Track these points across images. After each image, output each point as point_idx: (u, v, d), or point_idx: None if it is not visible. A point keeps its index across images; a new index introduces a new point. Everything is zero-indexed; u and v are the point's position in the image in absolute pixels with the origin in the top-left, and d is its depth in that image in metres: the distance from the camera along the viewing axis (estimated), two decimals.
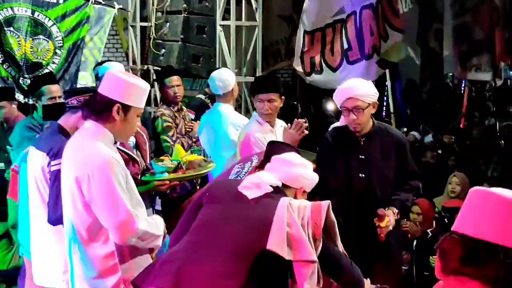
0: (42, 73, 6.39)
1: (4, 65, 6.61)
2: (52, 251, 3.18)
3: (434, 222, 5.19)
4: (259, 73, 7.67)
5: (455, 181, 5.67)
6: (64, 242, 2.86)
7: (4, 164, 5.01)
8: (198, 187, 4.71)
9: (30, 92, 5.22)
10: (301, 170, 2.66)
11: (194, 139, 4.94)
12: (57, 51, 6.81)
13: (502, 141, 8.49)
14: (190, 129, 4.96)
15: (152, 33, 7.15)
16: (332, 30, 6.99)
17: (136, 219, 2.64)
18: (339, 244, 2.60)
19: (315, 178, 2.71)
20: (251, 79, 6.89)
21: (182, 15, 7.10)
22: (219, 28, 7.42)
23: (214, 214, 2.58)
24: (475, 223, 1.47)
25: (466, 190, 5.91)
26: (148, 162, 3.98)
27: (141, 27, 7.71)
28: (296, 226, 2.42)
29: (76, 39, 6.87)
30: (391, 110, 8.27)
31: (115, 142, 2.87)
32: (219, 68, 5.59)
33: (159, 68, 6.87)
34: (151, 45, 7.11)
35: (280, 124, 4.22)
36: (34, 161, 3.20)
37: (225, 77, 4.89)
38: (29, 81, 6.37)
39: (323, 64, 6.99)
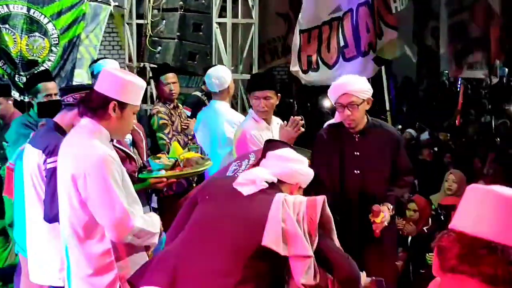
0: (38, 70, 6.38)
1: None
2: (48, 248, 3.17)
3: (430, 219, 5.20)
4: (255, 70, 7.66)
5: (452, 179, 5.67)
6: (60, 239, 2.86)
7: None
8: (194, 185, 4.71)
9: (26, 90, 5.21)
10: (297, 165, 2.66)
11: (190, 137, 4.93)
12: (53, 48, 6.80)
13: (498, 139, 8.51)
14: (186, 127, 4.95)
15: (148, 31, 7.13)
16: (329, 27, 7.00)
17: (132, 217, 2.64)
18: (335, 238, 2.60)
19: (310, 173, 2.71)
20: (247, 76, 6.88)
21: (178, 12, 7.09)
22: (215, 26, 7.41)
23: (210, 212, 2.57)
24: (473, 221, 1.46)
25: (463, 188, 5.91)
26: (145, 159, 3.98)
27: (137, 24, 7.69)
28: (291, 221, 2.42)
29: (72, 36, 6.85)
30: (387, 107, 8.28)
31: (112, 140, 2.87)
32: (215, 65, 5.59)
33: (155, 66, 6.86)
34: (147, 42, 7.10)
35: (276, 121, 4.22)
36: (30, 159, 3.19)
37: (221, 75, 4.88)
38: (24, 79, 6.36)
39: (320, 62, 7.00)
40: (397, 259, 4.56)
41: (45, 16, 6.73)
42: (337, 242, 2.60)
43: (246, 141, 4.03)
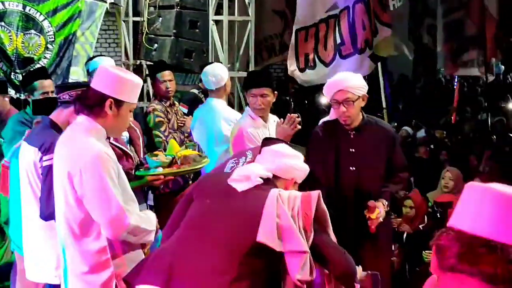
0: (34, 68, 6.36)
1: None
2: (44, 246, 3.17)
3: (426, 217, 5.21)
4: (252, 68, 7.66)
5: (448, 176, 5.68)
6: (56, 237, 2.85)
7: None
8: (190, 182, 4.71)
9: (22, 87, 5.19)
10: (292, 160, 2.65)
11: (186, 134, 4.92)
12: (49, 46, 6.78)
13: (494, 136, 8.52)
14: (182, 124, 4.94)
15: (145, 28, 7.12)
16: (325, 25, 7.00)
17: (128, 214, 2.63)
18: (331, 233, 2.59)
19: (306, 168, 2.70)
20: (244, 74, 6.88)
21: (175, 9, 7.07)
22: (211, 23, 7.40)
23: (205, 209, 2.57)
24: (472, 219, 1.45)
25: (460, 185, 5.97)
26: (141, 157, 3.97)
27: (134, 21, 7.68)
28: (286, 217, 2.41)
29: (68, 33, 6.83)
30: (383, 105, 8.29)
31: (108, 137, 2.86)
32: (212, 63, 5.58)
33: (151, 63, 6.85)
34: (143, 40, 7.08)
35: (273, 119, 4.22)
36: (26, 156, 3.19)
37: (218, 72, 4.88)
38: (20, 76, 6.33)
39: (316, 59, 7.01)
40: (392, 255, 4.57)
41: (41, 14, 6.70)
42: (333, 237, 2.60)
43: (242, 139, 4.02)
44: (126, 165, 3.53)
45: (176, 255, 2.47)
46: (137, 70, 7.41)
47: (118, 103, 2.73)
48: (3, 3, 6.56)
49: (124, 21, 7.79)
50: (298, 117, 3.82)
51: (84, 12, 6.88)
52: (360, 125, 3.76)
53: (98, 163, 2.62)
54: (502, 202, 1.44)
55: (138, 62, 7.61)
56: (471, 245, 1.42)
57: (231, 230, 2.44)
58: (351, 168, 3.72)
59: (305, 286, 2.46)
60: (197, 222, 2.55)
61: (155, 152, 3.83)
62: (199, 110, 5.02)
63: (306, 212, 2.44)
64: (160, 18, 7.10)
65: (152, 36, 7.09)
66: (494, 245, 1.40)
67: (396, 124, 9.27)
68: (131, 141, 4.14)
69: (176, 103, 5.20)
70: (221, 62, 6.37)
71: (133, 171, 3.62)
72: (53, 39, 6.79)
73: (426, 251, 4.78)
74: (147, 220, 2.78)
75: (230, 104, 6.52)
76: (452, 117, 10.04)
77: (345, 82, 3.67)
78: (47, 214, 2.98)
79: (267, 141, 2.99)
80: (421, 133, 9.25)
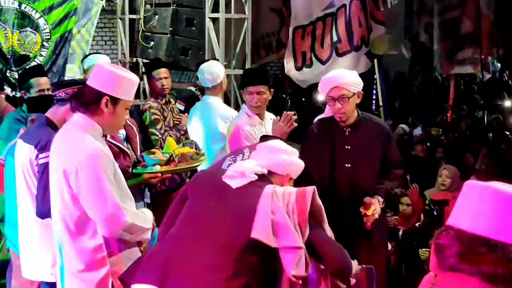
0: (30, 65, 6.34)
1: None
2: (40, 244, 3.16)
3: (422, 215, 5.21)
4: (248, 66, 7.65)
5: (445, 174, 5.68)
6: (52, 235, 2.84)
7: None
8: (187, 180, 4.70)
9: (18, 85, 5.18)
10: (287, 156, 2.65)
11: (182, 132, 4.92)
12: (45, 43, 6.76)
13: (490, 134, 8.53)
14: (178, 122, 4.93)
15: (141, 26, 7.10)
16: (322, 23, 7.00)
17: (124, 212, 2.63)
18: (327, 228, 2.58)
19: (301, 164, 2.70)
20: (240, 71, 6.88)
21: (171, 7, 7.07)
22: (208, 21, 7.39)
23: (199, 206, 2.56)
24: (472, 218, 1.43)
25: (457, 183, 5.98)
26: (138, 154, 3.97)
27: (130, 19, 7.67)
28: (281, 213, 2.40)
29: (64, 31, 6.81)
30: (380, 103, 8.29)
31: (105, 135, 2.85)
32: (208, 60, 5.57)
33: (148, 61, 6.84)
34: (140, 37, 7.07)
35: (269, 116, 4.22)
36: (22, 154, 3.18)
37: (214, 70, 4.88)
38: (16, 74, 6.32)
39: (313, 58, 7.01)
40: (388, 253, 4.58)
41: (37, 11, 6.68)
42: (329, 232, 2.59)
43: (239, 136, 4.02)
44: (123, 163, 3.52)
45: (171, 253, 2.47)
46: (134, 68, 7.40)
47: (115, 101, 2.72)
48: None
49: (120, 18, 7.77)
50: (294, 114, 3.83)
51: (80, 9, 6.87)
52: (355, 122, 3.76)
53: (94, 161, 2.61)
54: (501, 201, 1.42)
55: (135, 59, 7.60)
56: (471, 244, 1.40)
57: (226, 227, 2.43)
58: (346, 165, 3.72)
59: (300, 281, 2.46)
60: (191, 220, 2.54)
61: (152, 150, 3.82)
62: (196, 108, 5.02)
63: (301, 208, 2.43)
64: (157, 16, 7.09)
65: (149, 33, 7.08)
66: (494, 244, 1.39)
67: (392, 121, 9.28)
68: (128, 139, 4.13)
69: (172, 100, 5.19)
70: (218, 60, 6.35)
71: (130, 169, 3.62)
72: (49, 37, 6.78)
73: (422, 249, 4.78)
74: (143, 218, 2.78)
75: (227, 101, 6.52)
76: (448, 115, 10.06)
77: (340, 78, 3.67)
78: (43, 212, 2.97)
79: (264, 138, 2.99)
80: (418, 131, 9.25)
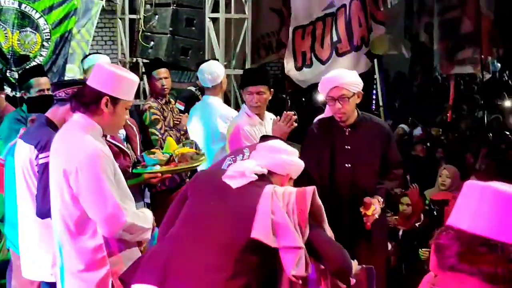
0: (31, 65, 6.34)
1: None
2: (40, 244, 3.16)
3: (422, 215, 5.21)
4: (248, 66, 7.65)
5: (446, 174, 5.68)
6: (52, 235, 2.84)
7: None
8: (187, 180, 4.70)
9: (18, 85, 5.18)
10: (287, 156, 2.64)
11: (182, 132, 4.92)
12: (45, 43, 6.76)
13: (490, 134, 8.53)
14: (178, 122, 4.93)
15: (141, 26, 7.10)
16: (322, 23, 7.00)
17: (124, 212, 2.63)
18: (327, 228, 2.58)
19: (301, 164, 2.69)
20: (240, 71, 6.88)
21: (171, 7, 7.07)
22: (208, 21, 7.39)
23: (199, 207, 2.56)
24: (472, 218, 1.43)
25: (457, 183, 5.96)
26: (138, 154, 3.97)
27: (130, 19, 7.67)
28: (281, 213, 2.40)
29: (64, 31, 6.81)
30: (380, 103, 8.29)
31: (106, 135, 2.85)
32: (208, 60, 5.57)
33: (148, 61, 6.84)
34: (140, 37, 7.07)
35: (269, 116, 4.22)
36: (22, 154, 3.18)
37: (214, 70, 4.87)
38: (16, 74, 6.32)
39: (313, 58, 7.01)
40: (388, 253, 4.58)
41: (37, 11, 6.68)
42: (329, 232, 2.59)
43: (239, 136, 4.02)
44: (124, 163, 3.52)
45: (171, 253, 2.47)
46: (134, 68, 7.40)
47: (115, 101, 2.72)
48: None
49: (120, 18, 7.77)
50: (294, 114, 3.83)
51: (80, 9, 6.87)
52: (355, 122, 3.76)
53: (94, 161, 2.61)
54: (502, 201, 1.42)
55: (135, 59, 7.60)
56: (470, 244, 1.40)
57: (226, 227, 2.43)
58: (346, 165, 3.72)
59: (300, 281, 2.46)
60: (191, 220, 2.54)
61: (152, 150, 3.82)
62: (195, 108, 5.02)
63: (301, 208, 2.42)
64: (157, 16, 7.09)
65: (149, 34, 7.09)
66: (494, 244, 1.39)
67: (392, 122, 9.28)
68: (128, 139, 4.13)
69: (172, 100, 5.19)
70: (218, 60, 6.35)
71: (130, 169, 3.62)
72: (49, 37, 6.78)
73: (422, 249, 4.78)
74: (143, 218, 2.78)
75: (227, 101, 6.52)
76: (448, 115, 10.06)
77: (340, 78, 3.67)
78: (43, 212, 2.97)
79: (264, 138, 2.99)
80: (418, 131, 9.25)
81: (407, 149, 7.82)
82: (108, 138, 3.37)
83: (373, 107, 9.93)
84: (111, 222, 2.61)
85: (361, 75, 3.94)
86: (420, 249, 4.80)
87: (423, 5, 10.34)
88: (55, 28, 6.78)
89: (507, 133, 8.32)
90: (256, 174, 2.53)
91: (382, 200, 3.66)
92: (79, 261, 2.68)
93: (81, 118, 2.73)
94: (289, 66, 7.03)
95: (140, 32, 7.08)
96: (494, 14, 8.83)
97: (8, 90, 6.35)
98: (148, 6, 7.17)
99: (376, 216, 3.59)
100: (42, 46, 6.75)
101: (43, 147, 3.05)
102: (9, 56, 6.62)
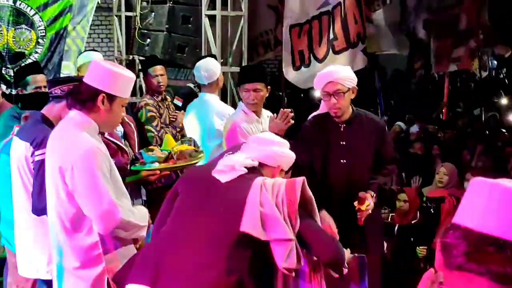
0: (26, 63, 6.31)
1: None
2: (36, 241, 3.15)
3: (418, 212, 5.21)
4: (245, 63, 7.63)
5: (443, 171, 5.68)
6: (48, 232, 2.83)
7: None
8: None
9: (15, 82, 5.15)
10: (278, 148, 2.63)
11: (178, 129, 4.90)
12: (40, 40, 6.73)
13: (487, 131, 8.55)
14: (174, 119, 4.92)
15: (137, 23, 7.09)
16: (318, 22, 6.99)
17: (119, 209, 2.62)
18: (318, 219, 2.57)
19: (292, 156, 2.68)
20: (237, 69, 6.86)
21: (167, 4, 7.06)
22: (204, 18, 7.37)
23: (189, 203, 2.54)
24: (479, 216, 1.39)
25: (454, 180, 5.95)
26: (136, 151, 3.95)
27: (126, 17, 7.65)
28: (270, 205, 2.38)
29: (59, 28, 6.78)
30: (378, 100, 8.29)
31: (103, 133, 2.84)
32: (204, 57, 5.55)
33: (144, 58, 6.83)
34: (136, 35, 7.05)
35: (266, 114, 4.21)
36: (17, 151, 3.16)
37: (210, 67, 4.86)
38: (11, 72, 6.29)
39: (311, 57, 7.00)
40: (383, 249, 4.58)
41: (32, 8, 6.65)
42: (320, 223, 2.58)
43: (236, 134, 4.02)
44: (122, 160, 3.51)
45: (163, 251, 2.45)
46: (130, 65, 7.39)
47: (111, 98, 2.71)
48: None
49: (116, 16, 7.75)
50: (291, 112, 3.82)
51: (75, 6, 6.84)
52: (350, 117, 3.76)
53: (90, 158, 2.60)
54: (510, 199, 1.38)
55: (131, 57, 7.59)
56: (478, 244, 1.36)
57: (216, 223, 2.41)
58: (341, 161, 3.72)
59: (293, 274, 2.44)
60: (182, 217, 2.53)
61: (150, 147, 3.81)
62: (192, 105, 5.00)
63: (290, 199, 2.40)
64: (153, 13, 7.08)
65: (145, 31, 7.07)
66: (503, 244, 1.35)
67: (388, 119, 9.28)
68: (125, 136, 4.12)
69: (168, 97, 5.18)
70: (214, 57, 6.33)
71: (129, 166, 3.60)
72: (44, 34, 6.75)
73: (420, 247, 4.78)
74: (138, 215, 2.77)
75: (223, 99, 6.51)
76: (443, 112, 10.07)
77: (335, 73, 3.67)
78: (39, 209, 2.96)
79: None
80: (414, 128, 9.25)
81: (404, 146, 7.82)
82: (106, 135, 3.36)
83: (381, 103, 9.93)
84: (106, 219, 2.60)
85: (361, 72, 3.93)
86: (417, 247, 4.81)
87: (420, 2, 10.34)
88: (50, 25, 6.75)
89: (504, 130, 8.33)
90: (246, 167, 2.52)
91: (374, 195, 3.66)
92: (75, 258, 2.68)
93: (77, 115, 2.72)
94: (287, 68, 6.98)
95: (137, 30, 7.07)
96: (491, 11, 8.83)
97: (3, 87, 6.32)
98: (144, 4, 7.16)
99: (370, 211, 3.59)
100: (37, 43, 6.72)
101: (39, 144, 3.04)
102: (4, 54, 6.59)
